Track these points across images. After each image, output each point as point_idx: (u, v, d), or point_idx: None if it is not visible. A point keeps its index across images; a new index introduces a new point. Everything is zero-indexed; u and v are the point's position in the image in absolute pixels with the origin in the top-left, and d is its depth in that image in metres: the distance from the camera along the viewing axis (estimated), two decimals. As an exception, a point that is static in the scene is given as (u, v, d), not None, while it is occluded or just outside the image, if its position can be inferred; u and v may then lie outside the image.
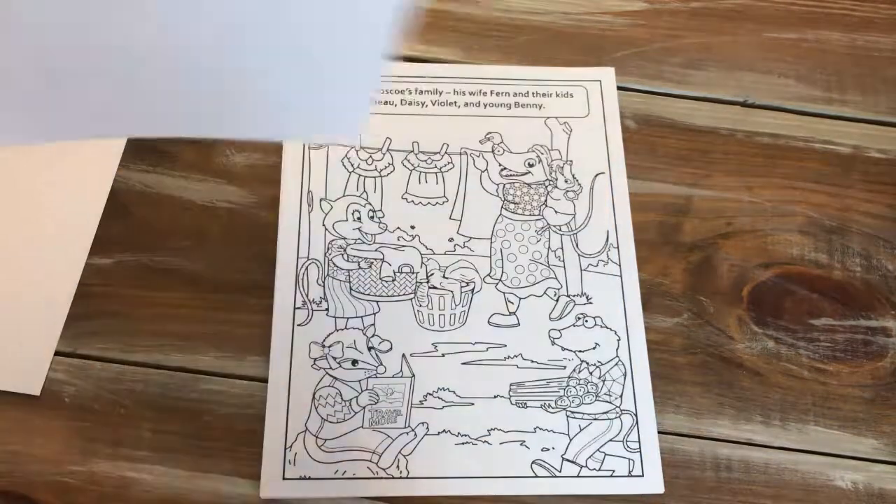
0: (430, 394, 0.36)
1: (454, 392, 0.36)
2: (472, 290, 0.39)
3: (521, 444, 0.36)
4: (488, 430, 0.36)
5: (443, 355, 0.37)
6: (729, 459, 0.37)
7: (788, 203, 0.42)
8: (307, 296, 0.38)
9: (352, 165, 0.41)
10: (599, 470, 0.36)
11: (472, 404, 0.36)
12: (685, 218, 0.42)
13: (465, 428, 0.36)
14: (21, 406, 0.36)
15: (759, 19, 0.47)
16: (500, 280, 0.39)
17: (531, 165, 0.41)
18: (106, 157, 0.41)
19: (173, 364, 0.37)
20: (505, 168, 0.41)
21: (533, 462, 0.36)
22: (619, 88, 0.44)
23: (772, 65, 0.46)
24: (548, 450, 0.36)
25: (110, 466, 0.35)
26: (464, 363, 0.37)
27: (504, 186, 0.41)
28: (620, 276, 0.39)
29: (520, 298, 0.39)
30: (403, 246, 0.39)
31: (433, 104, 0.43)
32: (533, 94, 0.43)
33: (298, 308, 0.38)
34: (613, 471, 0.36)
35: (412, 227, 0.40)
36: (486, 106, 0.43)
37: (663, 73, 0.45)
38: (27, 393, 0.36)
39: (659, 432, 0.37)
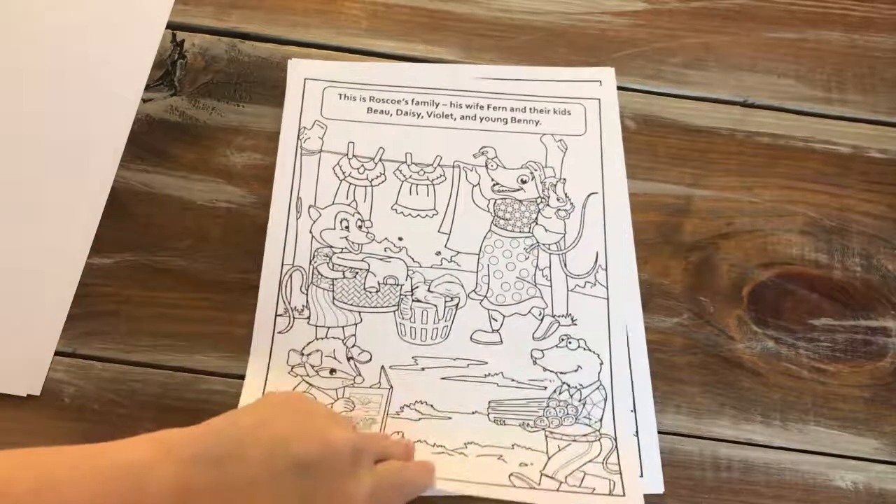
0: (407, 406, 0.36)
1: (432, 406, 0.36)
2: (457, 304, 0.38)
3: (498, 458, 0.35)
4: (465, 444, 0.35)
5: (423, 369, 0.37)
6: (729, 459, 0.37)
7: (788, 203, 0.42)
8: (289, 303, 0.38)
9: (343, 173, 0.41)
10: (579, 487, 0.35)
11: (450, 418, 0.36)
12: (685, 218, 0.42)
13: (441, 440, 0.35)
14: (21, 406, 0.36)
15: (759, 19, 0.47)
16: (485, 296, 0.38)
17: (524, 182, 0.41)
18: (106, 157, 0.41)
19: (173, 364, 0.37)
20: (497, 183, 0.41)
21: (511, 474, 0.35)
22: (619, 88, 0.44)
23: (772, 65, 0.46)
24: (526, 465, 0.35)
25: (110, 466, 0.35)
26: (443, 378, 0.37)
27: (495, 202, 0.41)
28: (607, 298, 0.39)
29: (504, 316, 0.38)
30: (390, 257, 0.39)
31: (428, 115, 0.42)
32: (530, 109, 0.43)
33: (280, 315, 0.38)
34: (594, 489, 0.35)
35: (400, 239, 0.39)
36: (482, 120, 0.42)
37: (663, 73, 0.45)
38: (27, 393, 0.36)
39: (659, 432, 0.37)
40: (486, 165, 0.41)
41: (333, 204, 0.40)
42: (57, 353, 0.37)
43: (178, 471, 0.26)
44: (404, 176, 0.41)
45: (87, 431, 0.36)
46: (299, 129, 0.41)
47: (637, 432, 0.36)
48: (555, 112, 0.43)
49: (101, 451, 0.26)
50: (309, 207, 0.40)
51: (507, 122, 0.43)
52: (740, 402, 0.38)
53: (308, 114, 0.42)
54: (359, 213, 0.40)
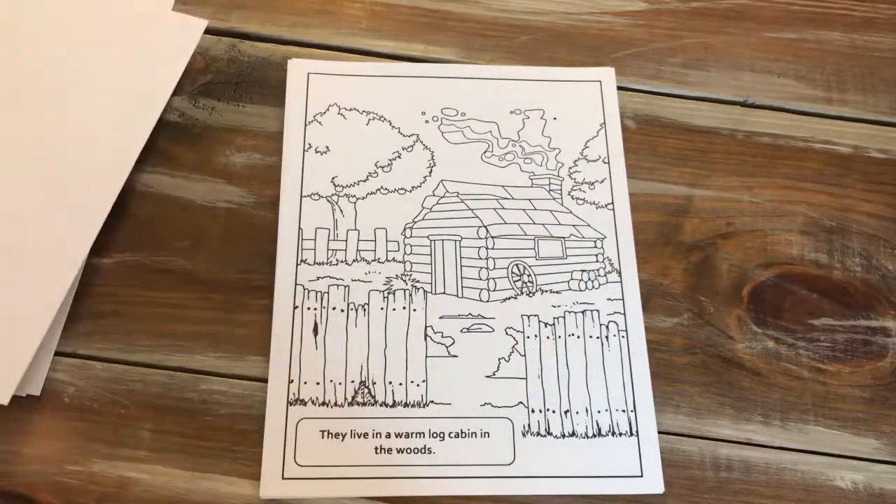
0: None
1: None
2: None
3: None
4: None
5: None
6: (729, 459, 0.37)
7: (788, 203, 0.42)
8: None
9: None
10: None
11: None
12: (685, 218, 0.42)
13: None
14: (21, 406, 0.36)
15: (759, 19, 0.47)
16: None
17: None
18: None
19: (173, 364, 0.37)
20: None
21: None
22: (619, 88, 0.44)
23: (771, 65, 0.46)
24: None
25: (110, 466, 0.35)
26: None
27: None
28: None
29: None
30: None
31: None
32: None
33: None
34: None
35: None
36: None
37: (663, 73, 0.45)
38: (27, 393, 0.36)
39: (659, 432, 0.37)
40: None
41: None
42: (57, 354, 0.37)
43: None
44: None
45: (88, 431, 0.36)
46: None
47: (637, 432, 0.36)
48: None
49: None
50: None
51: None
52: (740, 402, 0.38)
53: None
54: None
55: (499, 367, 0.37)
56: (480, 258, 0.40)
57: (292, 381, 0.36)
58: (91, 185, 0.39)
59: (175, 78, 0.41)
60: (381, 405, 0.36)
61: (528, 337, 0.38)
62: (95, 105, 0.40)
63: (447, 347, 0.37)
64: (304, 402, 0.36)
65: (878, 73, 0.46)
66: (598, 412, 0.37)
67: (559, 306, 0.39)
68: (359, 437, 0.36)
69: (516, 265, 0.40)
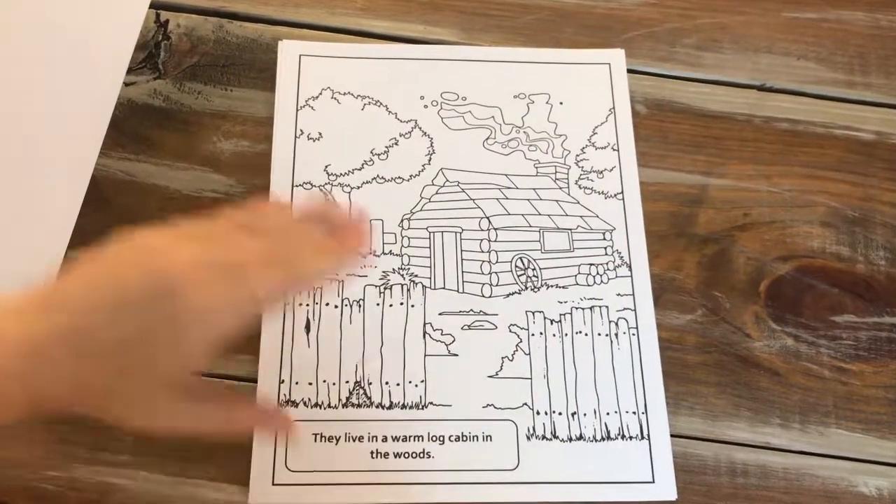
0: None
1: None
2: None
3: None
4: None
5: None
6: (745, 464, 0.36)
7: (808, 193, 0.41)
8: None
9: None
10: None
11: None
12: (699, 208, 0.40)
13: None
14: (-4, 408, 0.35)
15: (778, -2, 0.46)
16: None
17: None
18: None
19: (157, 363, 0.36)
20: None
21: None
22: (630, 71, 0.43)
23: (790, 46, 0.44)
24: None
25: (91, 472, 0.34)
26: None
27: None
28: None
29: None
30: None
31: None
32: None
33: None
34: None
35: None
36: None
37: (676, 55, 0.44)
38: (2, 394, 0.35)
39: (671, 435, 0.36)
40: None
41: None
42: (34, 352, 0.36)
43: (30, 319, 0.25)
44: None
45: (68, 435, 0.34)
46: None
47: (648, 435, 0.35)
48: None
49: None
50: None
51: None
52: (757, 404, 0.37)
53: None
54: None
55: (502, 366, 0.37)
56: (482, 251, 0.39)
57: (283, 381, 0.36)
58: (61, 174, 0.38)
59: (129, 49, 0.40)
60: (377, 407, 0.36)
61: (533, 334, 0.37)
62: (51, 88, 0.40)
63: (447, 346, 0.37)
64: (295, 404, 0.35)
65: (903, 55, 0.45)
66: (607, 414, 0.36)
67: (566, 302, 0.38)
68: (353, 440, 0.35)
69: (520, 258, 0.39)
